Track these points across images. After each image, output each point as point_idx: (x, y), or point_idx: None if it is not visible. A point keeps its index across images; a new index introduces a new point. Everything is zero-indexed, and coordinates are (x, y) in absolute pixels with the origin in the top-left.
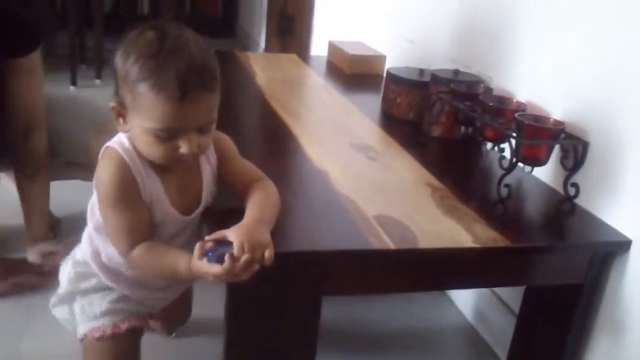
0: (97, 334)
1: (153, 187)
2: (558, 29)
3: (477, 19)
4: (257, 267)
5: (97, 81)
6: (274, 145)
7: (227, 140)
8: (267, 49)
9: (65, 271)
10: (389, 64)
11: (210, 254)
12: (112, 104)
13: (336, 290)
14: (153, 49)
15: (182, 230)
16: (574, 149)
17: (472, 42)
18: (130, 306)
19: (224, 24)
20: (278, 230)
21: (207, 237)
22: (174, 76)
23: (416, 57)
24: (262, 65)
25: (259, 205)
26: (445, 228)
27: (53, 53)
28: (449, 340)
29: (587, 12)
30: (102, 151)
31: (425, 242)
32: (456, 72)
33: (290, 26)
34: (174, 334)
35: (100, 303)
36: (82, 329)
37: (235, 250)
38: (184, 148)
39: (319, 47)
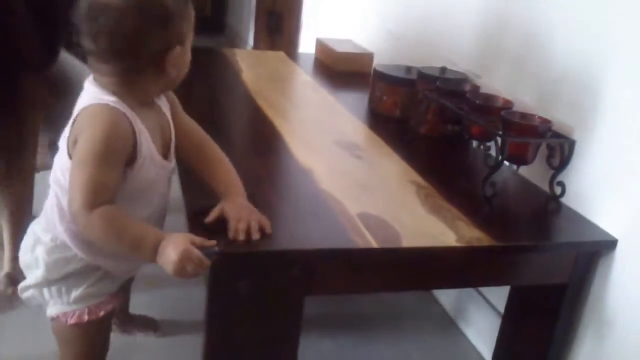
0: (72, 320)
1: (144, 136)
2: (545, 27)
3: (466, 16)
4: (257, 235)
5: None
6: (260, 143)
7: (172, 93)
8: (256, 47)
9: (39, 259)
10: (377, 62)
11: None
12: (175, 51)
13: (320, 290)
14: None
15: (163, 177)
16: (560, 147)
17: (460, 39)
18: (106, 287)
19: (213, 22)
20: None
21: (208, 219)
22: None
23: (404, 55)
24: (249, 63)
25: (231, 179)
26: (429, 227)
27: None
28: (432, 337)
29: (572, 6)
30: (87, 106)
31: (409, 241)
32: (443, 69)
33: (279, 24)
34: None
35: (76, 288)
36: (55, 310)
37: (239, 225)
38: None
39: (307, 45)
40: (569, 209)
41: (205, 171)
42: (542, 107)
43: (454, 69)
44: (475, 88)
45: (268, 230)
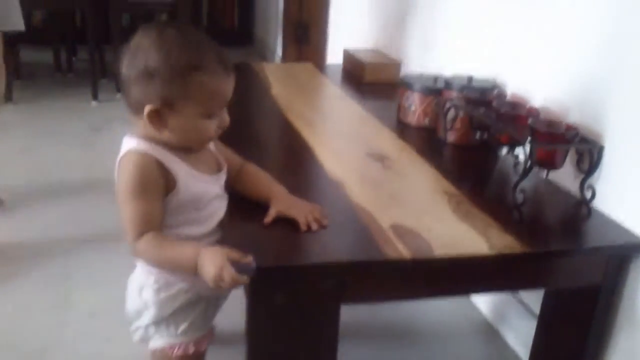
0: (179, 352)
1: (180, 166)
2: (572, 32)
3: (493, 24)
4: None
5: (118, 95)
6: (290, 157)
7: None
8: (284, 57)
9: (148, 302)
10: (404, 71)
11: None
12: (150, 108)
13: (354, 300)
14: (186, 38)
15: (219, 193)
16: (589, 152)
17: (486, 47)
18: (207, 320)
19: (241, 34)
20: (295, 242)
21: (266, 219)
22: (216, 57)
23: (432, 64)
24: (277, 76)
25: (272, 183)
26: (460, 235)
27: (74, 68)
28: (471, 341)
29: (601, 11)
30: (120, 157)
31: (440, 250)
32: (470, 78)
33: (306, 34)
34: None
35: (184, 322)
36: (161, 342)
37: (301, 220)
38: (224, 122)
39: (335, 55)
40: (600, 213)
41: (248, 189)
42: (569, 114)
43: (481, 76)
44: (502, 96)
45: (325, 213)
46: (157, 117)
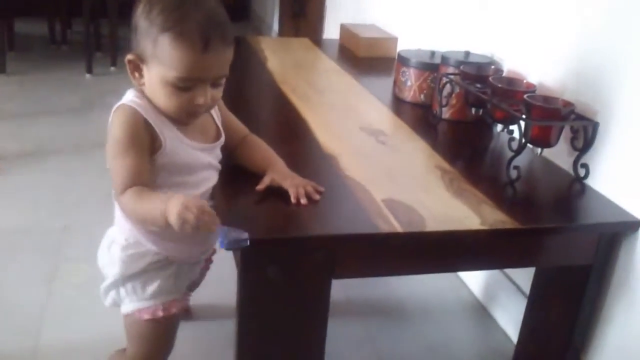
0: (146, 315)
1: (170, 131)
2: (570, 8)
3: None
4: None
5: (112, 68)
6: (285, 129)
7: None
8: (281, 32)
9: (114, 258)
10: (401, 47)
11: (223, 234)
12: (129, 57)
13: (345, 274)
14: (177, 1)
15: (212, 163)
16: (584, 129)
17: (484, 23)
18: (179, 282)
19: (238, 8)
20: (288, 215)
21: (259, 185)
22: (196, 27)
23: (428, 39)
24: (273, 50)
25: (271, 155)
26: (453, 211)
27: (68, 41)
28: (460, 319)
29: None
30: (113, 110)
31: (433, 225)
32: (467, 53)
33: (303, 9)
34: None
35: (151, 283)
36: (130, 307)
37: (293, 189)
38: (200, 99)
39: (332, 31)
40: (593, 191)
41: (247, 158)
42: (566, 90)
43: (478, 52)
44: (499, 72)
45: (321, 189)
46: (132, 68)
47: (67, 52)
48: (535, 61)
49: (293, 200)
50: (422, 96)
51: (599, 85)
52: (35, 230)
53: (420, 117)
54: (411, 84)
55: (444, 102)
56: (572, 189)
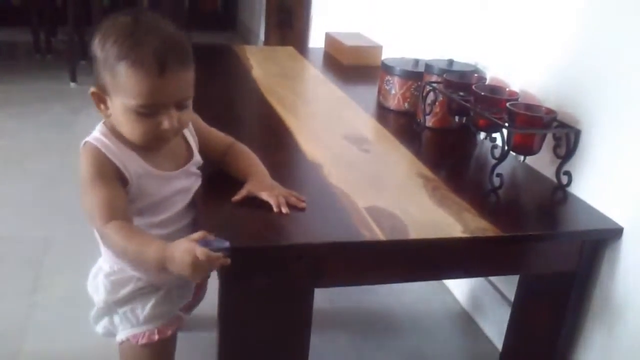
0: (143, 340)
1: (133, 162)
2: (549, 19)
3: (474, 8)
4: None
5: None
6: (269, 139)
7: (195, 115)
8: (267, 41)
9: (99, 285)
10: (386, 55)
11: (204, 242)
12: (92, 90)
13: (329, 282)
14: (129, 29)
15: (185, 186)
16: (566, 137)
17: (468, 32)
18: (171, 306)
19: (224, 17)
20: (271, 223)
21: (235, 196)
22: (151, 53)
23: (413, 48)
24: (259, 59)
25: (254, 163)
26: (436, 218)
27: (53, 50)
28: (445, 327)
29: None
30: (80, 146)
31: (416, 232)
32: (450, 62)
33: (289, 19)
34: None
35: (142, 309)
36: (124, 334)
37: (273, 202)
38: (165, 123)
39: (318, 39)
40: (576, 198)
41: (231, 167)
42: (548, 98)
43: (461, 61)
44: (482, 80)
45: (303, 199)
46: (97, 100)
47: (52, 60)
48: (518, 69)
49: (275, 209)
50: (406, 104)
51: (581, 93)
52: (17, 240)
53: (404, 125)
54: (395, 92)
55: (427, 110)
56: (555, 197)
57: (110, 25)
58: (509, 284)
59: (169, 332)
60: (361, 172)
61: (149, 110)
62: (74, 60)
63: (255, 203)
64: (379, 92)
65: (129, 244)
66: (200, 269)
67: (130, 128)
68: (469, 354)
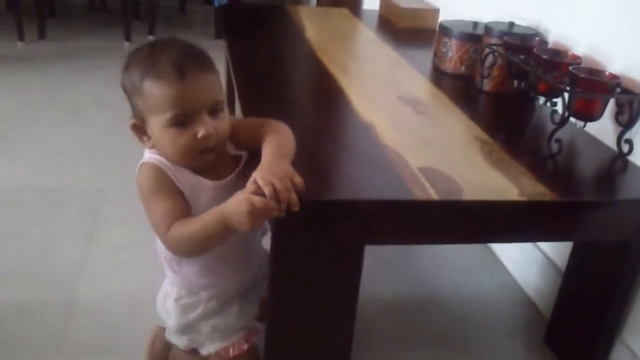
0: (235, 351)
1: (185, 174)
2: None
3: None
4: (293, 194)
5: (151, 37)
6: (322, 98)
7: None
8: (320, 3)
9: (169, 310)
10: (443, 18)
11: None
12: (131, 123)
13: (379, 240)
14: (147, 52)
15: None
16: (629, 104)
17: None
18: (247, 318)
19: None
20: (322, 179)
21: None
22: (169, 62)
23: (471, 11)
24: (312, 20)
25: (274, 143)
26: (492, 181)
27: (107, 9)
28: (494, 297)
29: None
30: (137, 168)
31: (471, 194)
32: (511, 24)
33: None
34: None
35: (223, 322)
36: (212, 348)
37: (261, 183)
38: (201, 130)
39: (372, 1)
40: (636, 167)
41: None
42: (612, 63)
43: (522, 24)
44: (543, 43)
45: (299, 187)
46: (138, 133)
47: (106, 19)
48: (581, 33)
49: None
50: (463, 67)
51: None
52: (73, 190)
53: (460, 88)
54: (452, 55)
55: (485, 73)
56: (615, 165)
57: (130, 57)
58: (560, 254)
59: (255, 339)
60: (415, 133)
61: (181, 121)
62: (128, 20)
63: (306, 157)
64: (435, 54)
65: (192, 229)
66: (258, 216)
67: (171, 147)
68: (516, 322)
